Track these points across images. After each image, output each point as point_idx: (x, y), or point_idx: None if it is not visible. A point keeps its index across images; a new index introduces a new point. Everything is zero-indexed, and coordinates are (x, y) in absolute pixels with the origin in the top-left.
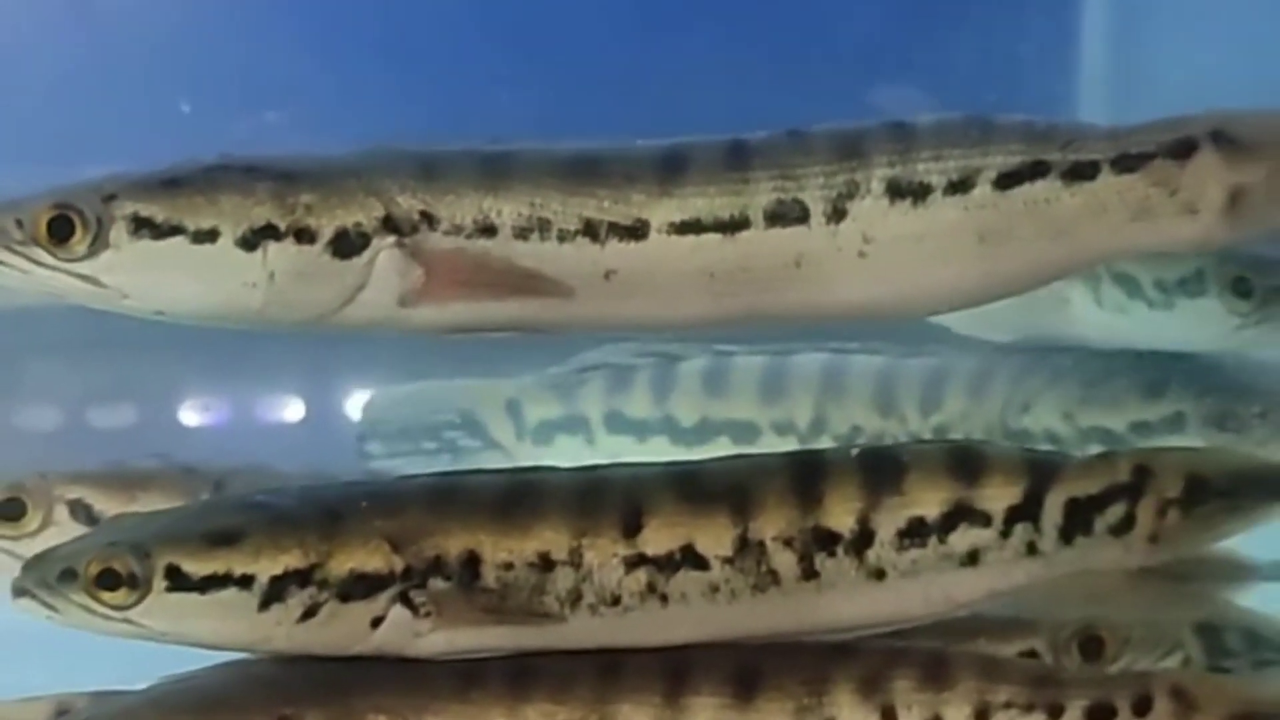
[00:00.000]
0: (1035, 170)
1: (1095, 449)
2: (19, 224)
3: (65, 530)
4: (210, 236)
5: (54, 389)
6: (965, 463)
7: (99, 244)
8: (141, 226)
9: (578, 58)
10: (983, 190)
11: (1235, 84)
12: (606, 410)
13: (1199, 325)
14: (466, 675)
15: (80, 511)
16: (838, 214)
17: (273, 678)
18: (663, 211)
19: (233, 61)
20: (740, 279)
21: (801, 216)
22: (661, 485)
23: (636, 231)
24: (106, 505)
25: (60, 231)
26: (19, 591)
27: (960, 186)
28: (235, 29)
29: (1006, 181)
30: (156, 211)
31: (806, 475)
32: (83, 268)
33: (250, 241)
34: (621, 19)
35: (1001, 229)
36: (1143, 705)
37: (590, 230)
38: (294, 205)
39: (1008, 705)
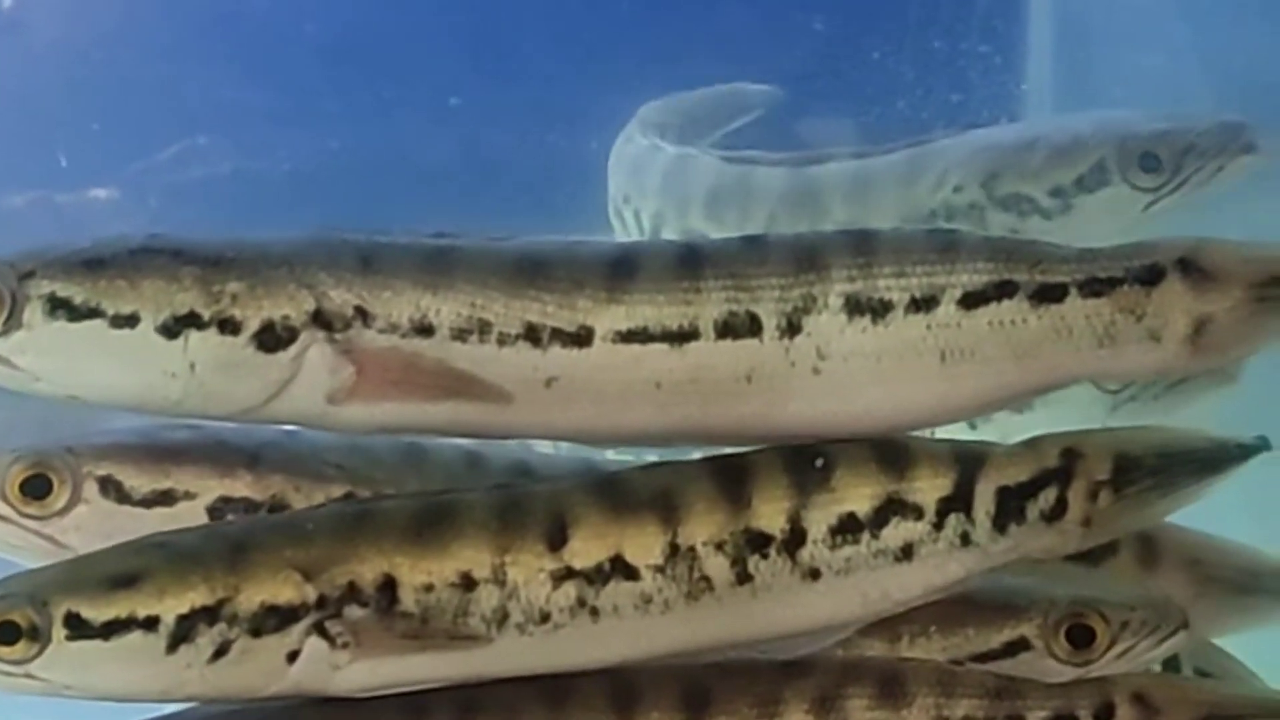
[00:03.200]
0: (1002, 290)
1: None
2: None
3: (95, 509)
4: (130, 322)
5: None
6: (892, 456)
7: (12, 323)
8: (58, 307)
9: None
10: (947, 309)
11: (1180, 86)
12: None
13: (1106, 218)
14: (412, 711)
15: (110, 488)
16: (792, 328)
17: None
18: (609, 319)
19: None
20: (688, 391)
21: (754, 329)
22: (584, 495)
23: (580, 338)
24: (138, 481)
25: None
26: None
27: (924, 304)
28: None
29: (972, 301)
30: (75, 292)
31: (733, 477)
32: None
33: (172, 329)
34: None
35: (964, 349)
36: (1105, 712)
37: (532, 335)
38: (220, 294)
39: (966, 719)
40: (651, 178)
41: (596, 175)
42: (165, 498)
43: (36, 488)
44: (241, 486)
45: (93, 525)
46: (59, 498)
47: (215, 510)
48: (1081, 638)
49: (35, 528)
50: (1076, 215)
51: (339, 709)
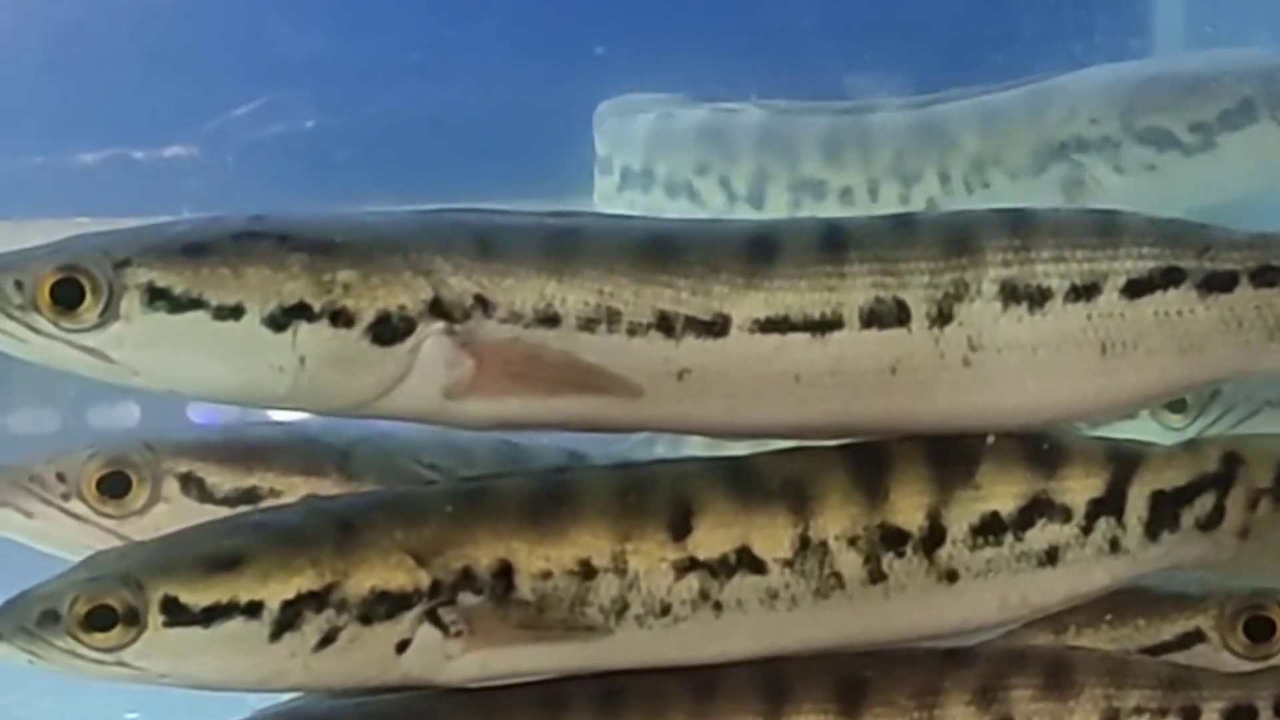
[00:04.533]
0: (1168, 278)
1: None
2: (18, 286)
3: (176, 508)
4: (234, 313)
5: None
6: (1042, 452)
7: (109, 314)
8: (157, 298)
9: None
10: (1109, 297)
11: None
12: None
13: (1250, 157)
14: (549, 701)
15: (192, 486)
16: (943, 317)
17: (332, 717)
18: (747, 306)
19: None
20: (829, 384)
21: (902, 318)
22: (711, 481)
23: (716, 328)
24: (221, 478)
25: (65, 298)
26: None
27: (1084, 292)
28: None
29: (1136, 289)
30: (175, 282)
31: (871, 467)
32: (88, 339)
33: (279, 322)
34: None
35: (1126, 341)
36: None
37: (664, 324)
38: (331, 283)
39: (1138, 711)
40: (738, 139)
41: None
42: (249, 496)
43: (114, 486)
44: (330, 485)
45: (173, 526)
46: (138, 496)
47: None
48: (1260, 631)
49: (112, 528)
50: (1219, 154)
51: (471, 699)
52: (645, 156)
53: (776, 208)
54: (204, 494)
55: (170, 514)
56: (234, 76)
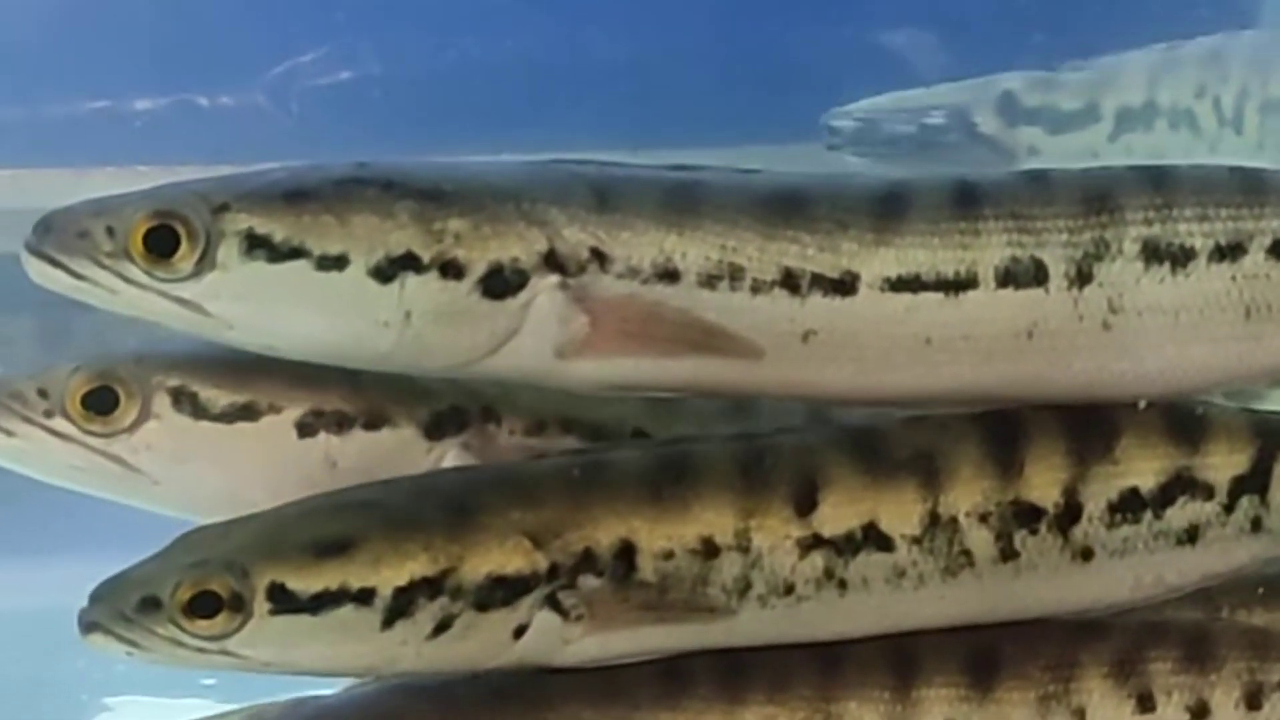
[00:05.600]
0: None
1: None
2: (109, 232)
3: (167, 425)
4: (338, 263)
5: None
6: (1185, 425)
7: (205, 264)
8: (257, 246)
9: None
10: (1255, 258)
11: None
12: None
13: None
14: (672, 677)
15: (185, 401)
16: (1082, 277)
17: (446, 693)
18: (877, 264)
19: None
20: (960, 348)
21: (1039, 278)
22: (836, 453)
23: (844, 286)
24: (216, 393)
25: (161, 246)
26: (88, 626)
27: (1229, 252)
28: None
29: None
30: (276, 229)
31: (1004, 438)
32: (183, 290)
33: (386, 273)
34: None
35: (1272, 303)
36: None
37: (790, 282)
38: (441, 232)
39: None
40: (1231, 60)
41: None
42: (247, 412)
43: (101, 402)
44: (335, 398)
45: (165, 444)
46: (126, 413)
47: (305, 426)
48: None
49: (100, 447)
50: None
51: (590, 674)
52: (1148, 90)
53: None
54: (197, 409)
55: (161, 431)
56: (300, 23)
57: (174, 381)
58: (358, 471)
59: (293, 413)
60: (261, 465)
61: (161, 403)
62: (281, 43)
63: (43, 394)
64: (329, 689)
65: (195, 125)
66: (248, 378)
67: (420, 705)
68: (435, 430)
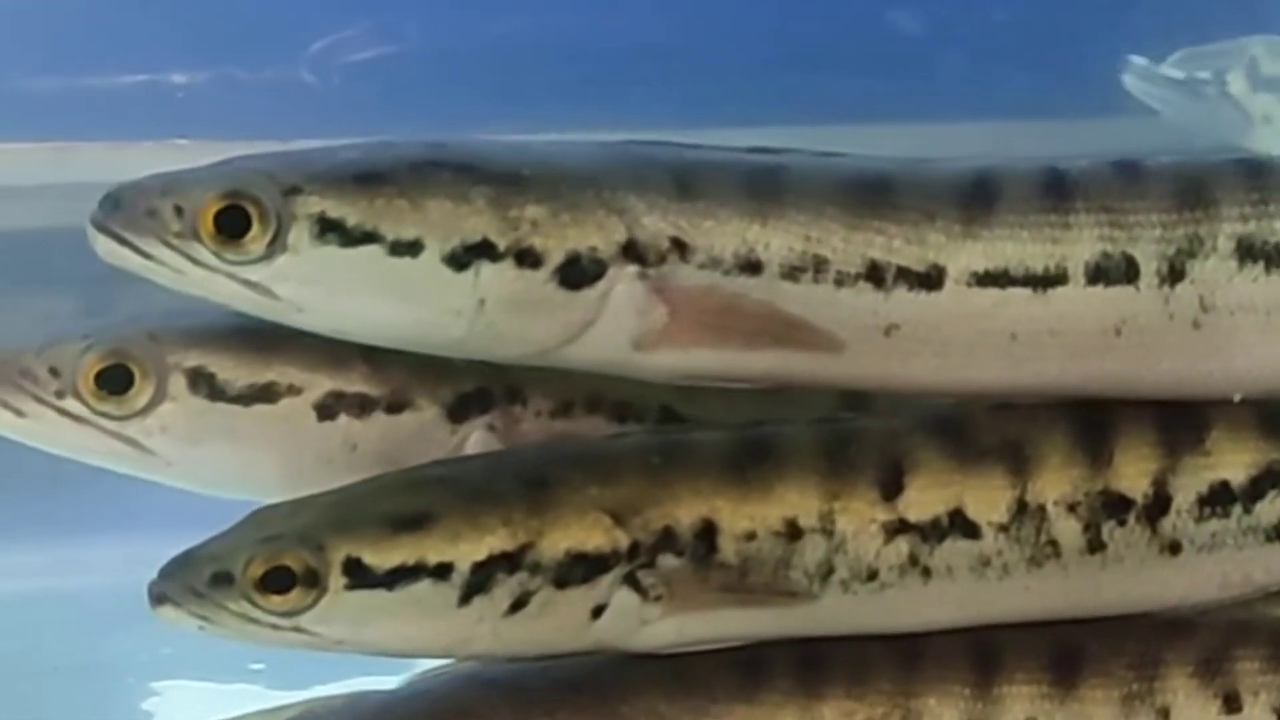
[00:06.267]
0: None
1: None
2: (178, 212)
3: (183, 406)
4: (412, 249)
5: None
6: (1277, 420)
7: (276, 246)
8: (329, 230)
9: None
10: None
11: None
12: None
13: None
14: (749, 670)
15: (202, 382)
16: (1174, 274)
17: (518, 683)
18: (964, 257)
19: None
20: (1047, 344)
21: (1130, 275)
22: (924, 437)
23: (930, 280)
24: (234, 373)
25: (231, 227)
26: (159, 598)
27: None
28: None
29: None
30: (349, 213)
31: (1094, 428)
32: (252, 273)
33: (461, 260)
34: None
35: None
36: None
37: (874, 274)
38: (518, 219)
39: None
40: None
41: None
42: (266, 393)
43: (114, 381)
44: (356, 380)
45: (180, 426)
46: (141, 393)
47: (325, 408)
48: None
49: (114, 429)
50: None
51: (665, 664)
52: None
53: None
54: (214, 391)
55: (177, 413)
56: None
57: (191, 362)
58: (379, 455)
59: (312, 395)
60: (280, 448)
61: (178, 384)
62: (324, 17)
63: (54, 372)
64: (386, 678)
65: (236, 99)
66: (266, 357)
67: (491, 698)
68: (459, 412)
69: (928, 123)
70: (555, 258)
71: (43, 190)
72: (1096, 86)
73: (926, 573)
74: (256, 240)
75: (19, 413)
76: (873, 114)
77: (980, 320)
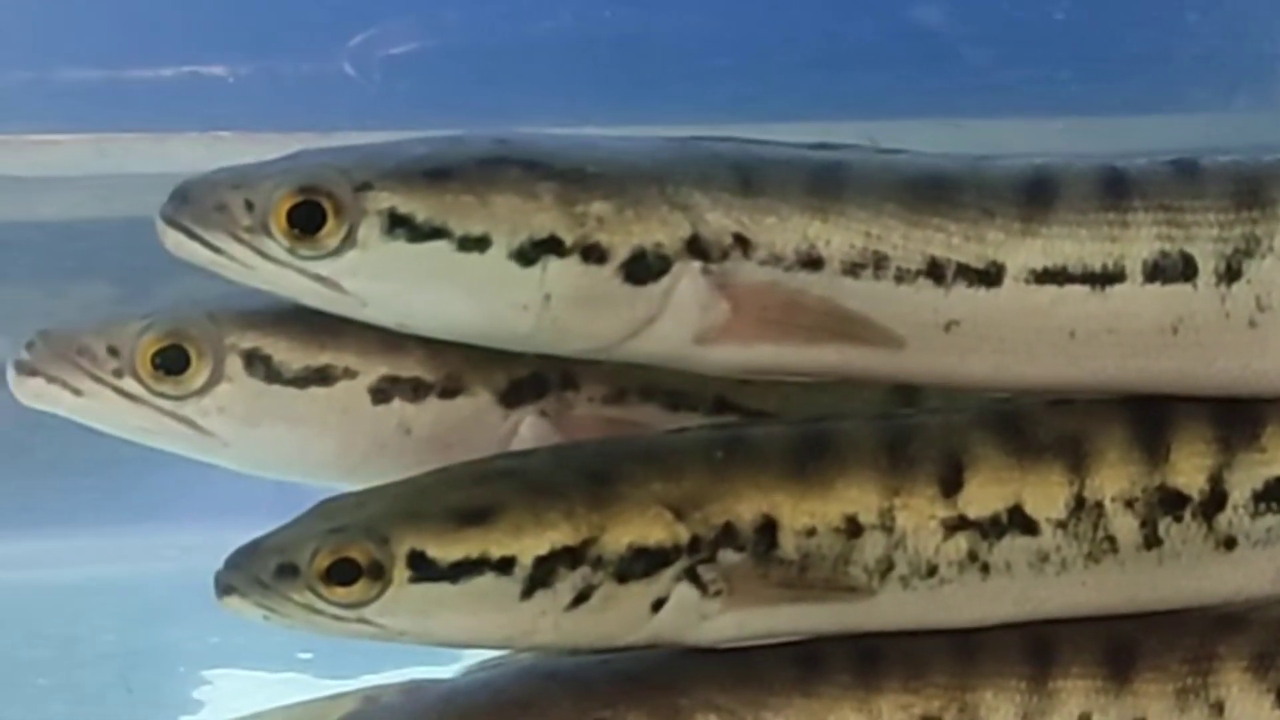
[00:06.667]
0: None
1: None
2: (248, 206)
3: (239, 388)
4: (480, 245)
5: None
6: None
7: (346, 242)
8: (398, 225)
9: None
10: None
11: None
12: None
13: None
14: (806, 663)
15: (258, 364)
16: (1231, 273)
17: (578, 675)
18: (1023, 255)
19: None
20: (1105, 342)
21: (1187, 273)
22: (983, 434)
23: (989, 277)
24: (290, 355)
25: (306, 222)
26: (225, 589)
27: None
28: None
29: None
30: (418, 209)
31: (1150, 424)
32: (321, 268)
33: (528, 255)
34: None
35: None
36: None
37: (935, 271)
38: (584, 215)
39: None
40: None
41: None
42: (321, 376)
43: (172, 361)
44: (411, 364)
45: (238, 407)
46: (198, 374)
47: (380, 392)
48: None
49: (170, 409)
50: None
51: (724, 657)
52: None
53: None
54: (270, 373)
55: (233, 394)
56: None
57: (248, 343)
58: (432, 439)
59: (368, 378)
60: (334, 431)
61: (234, 365)
62: (365, 10)
63: (112, 352)
64: (434, 668)
65: (277, 92)
66: (323, 340)
67: (552, 690)
68: (512, 397)
69: (979, 119)
70: (621, 253)
71: (84, 181)
72: (1150, 83)
73: (985, 569)
74: (331, 235)
75: (76, 391)
76: (923, 110)
77: (1038, 317)
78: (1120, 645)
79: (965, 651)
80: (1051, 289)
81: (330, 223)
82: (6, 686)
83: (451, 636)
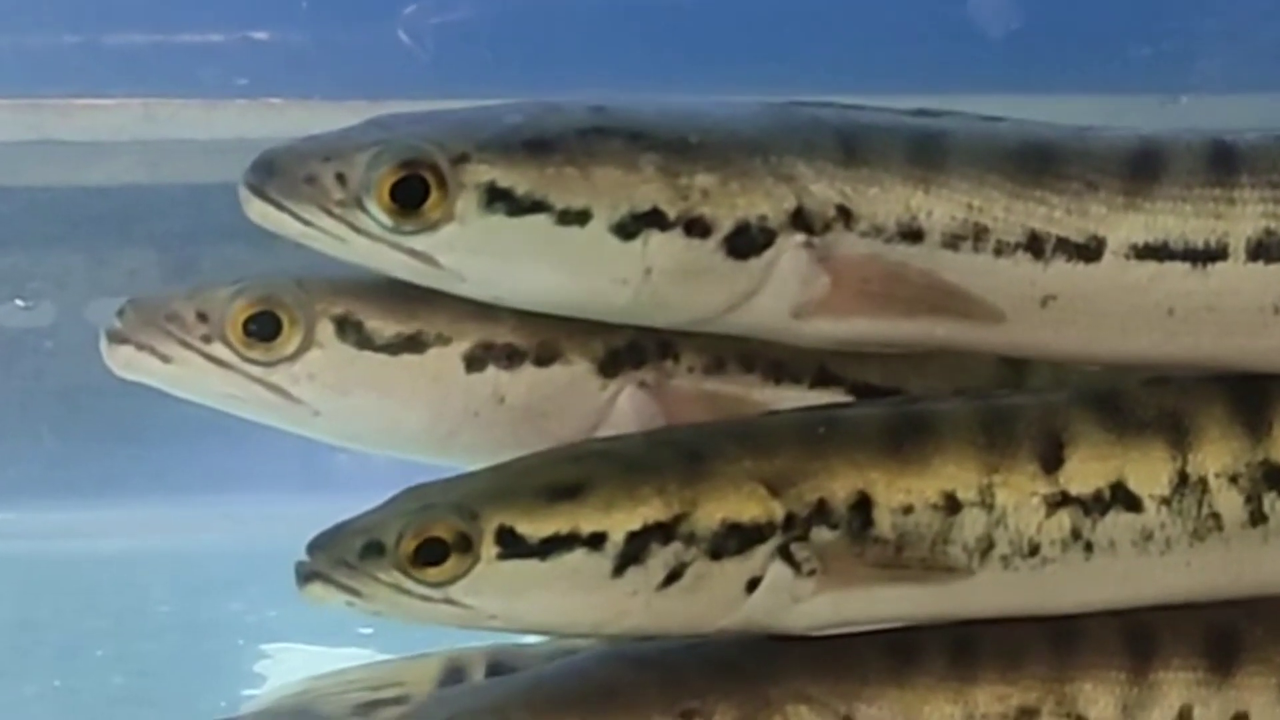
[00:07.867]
0: None
1: None
2: (340, 179)
3: (331, 354)
4: (580, 218)
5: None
6: None
7: (443, 216)
8: (497, 199)
9: None
10: None
11: None
12: None
13: None
14: (899, 652)
15: (350, 330)
16: None
17: (666, 663)
18: (1125, 229)
19: None
20: (1204, 319)
21: None
22: (1082, 410)
23: (1089, 251)
24: (382, 322)
25: (406, 197)
26: (307, 576)
27: None
28: None
29: None
30: (518, 182)
31: (1251, 399)
32: (417, 242)
33: (629, 229)
34: None
35: None
36: None
37: (1034, 245)
38: (688, 188)
39: None
40: None
41: None
42: (413, 343)
43: (263, 327)
44: (505, 331)
45: (329, 374)
46: (289, 340)
47: (473, 359)
48: None
49: (260, 375)
50: None
51: (818, 645)
52: None
53: None
54: (362, 339)
55: (325, 360)
56: None
57: (338, 309)
58: (526, 408)
59: (461, 345)
60: (426, 399)
61: (325, 331)
62: None
63: (202, 317)
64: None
65: (329, 59)
66: (415, 306)
67: (640, 677)
68: (610, 367)
69: (1060, 96)
70: (725, 227)
71: (132, 146)
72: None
73: (1089, 547)
74: (433, 209)
75: (165, 358)
76: (1018, 84)
77: (1137, 293)
78: (1222, 635)
79: (1063, 641)
80: (1151, 265)
81: (433, 197)
82: (66, 656)
83: (540, 619)
